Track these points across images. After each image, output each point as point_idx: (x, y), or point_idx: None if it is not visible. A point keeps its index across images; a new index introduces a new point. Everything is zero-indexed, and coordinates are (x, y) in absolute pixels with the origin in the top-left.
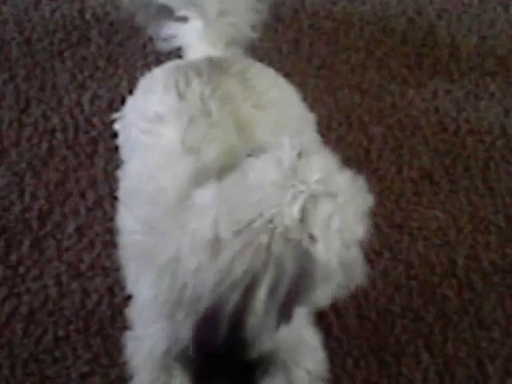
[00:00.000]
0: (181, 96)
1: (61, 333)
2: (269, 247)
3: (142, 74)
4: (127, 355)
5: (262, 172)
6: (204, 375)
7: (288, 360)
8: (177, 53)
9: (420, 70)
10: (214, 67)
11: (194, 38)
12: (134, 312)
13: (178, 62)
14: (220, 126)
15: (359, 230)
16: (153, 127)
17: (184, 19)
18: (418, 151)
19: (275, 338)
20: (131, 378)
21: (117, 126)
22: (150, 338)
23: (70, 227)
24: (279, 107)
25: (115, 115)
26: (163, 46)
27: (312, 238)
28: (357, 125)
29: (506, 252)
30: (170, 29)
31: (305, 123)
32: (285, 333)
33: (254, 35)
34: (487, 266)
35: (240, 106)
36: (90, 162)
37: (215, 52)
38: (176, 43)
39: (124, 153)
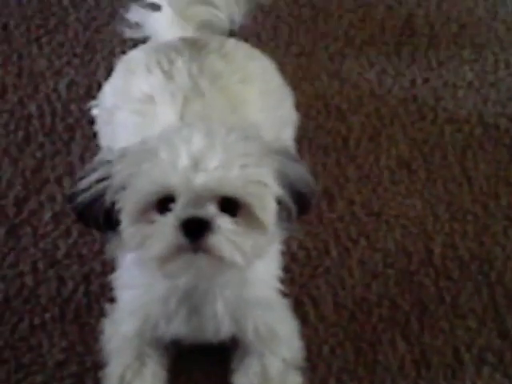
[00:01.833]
0: (167, 76)
1: (36, 320)
2: None
3: None
4: (104, 340)
5: None
6: (179, 364)
7: (264, 349)
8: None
9: (398, 58)
10: (190, 46)
11: (163, 25)
12: (116, 285)
13: (153, 43)
14: (214, 105)
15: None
16: (143, 107)
17: (153, 7)
18: (395, 140)
19: (250, 327)
20: (106, 365)
21: (94, 113)
22: (125, 321)
23: (47, 215)
24: (261, 79)
25: (92, 102)
26: (132, 34)
27: None
28: (335, 113)
29: (482, 240)
30: (139, 16)
31: (284, 95)
32: (261, 322)
33: (230, 23)
34: (464, 255)
35: (228, 82)
36: (67, 149)
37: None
38: (145, 32)
39: (104, 137)
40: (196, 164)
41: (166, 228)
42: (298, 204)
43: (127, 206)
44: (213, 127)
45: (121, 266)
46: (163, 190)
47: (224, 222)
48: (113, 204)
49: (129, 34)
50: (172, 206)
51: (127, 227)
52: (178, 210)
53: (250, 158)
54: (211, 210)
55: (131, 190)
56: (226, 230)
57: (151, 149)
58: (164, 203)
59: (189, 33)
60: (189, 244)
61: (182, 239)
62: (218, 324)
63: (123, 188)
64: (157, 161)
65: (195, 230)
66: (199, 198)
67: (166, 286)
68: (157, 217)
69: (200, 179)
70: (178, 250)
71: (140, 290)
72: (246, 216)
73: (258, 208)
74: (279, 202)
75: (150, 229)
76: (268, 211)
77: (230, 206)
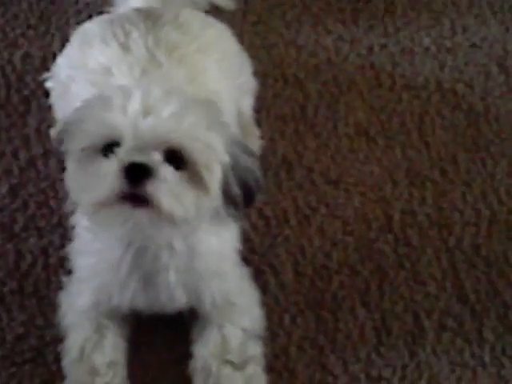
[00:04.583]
0: (124, 47)
1: None
2: None
3: None
4: (61, 314)
5: None
6: (140, 335)
7: (223, 319)
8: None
9: (355, 25)
10: (145, 17)
11: None
12: (71, 254)
13: (108, 15)
14: (172, 76)
15: None
16: (100, 79)
17: None
18: (353, 107)
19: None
20: (65, 338)
21: (49, 85)
22: (81, 293)
23: (3, 188)
24: (219, 47)
25: (46, 74)
26: None
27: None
28: (292, 81)
29: (441, 206)
30: None
31: (243, 62)
32: (217, 293)
33: None
34: (423, 221)
35: (185, 52)
36: (23, 121)
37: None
38: None
39: (59, 110)
40: (146, 111)
41: (108, 171)
42: (243, 195)
43: (73, 147)
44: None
45: (76, 234)
46: (110, 133)
47: (167, 171)
48: None
49: None
50: (118, 150)
51: (70, 169)
52: (122, 154)
53: (202, 120)
54: (155, 157)
55: (79, 131)
56: (167, 179)
57: (105, 96)
58: (110, 148)
59: (150, 4)
60: (128, 190)
61: (122, 184)
62: (172, 294)
63: (72, 130)
64: (108, 105)
65: (137, 177)
66: (145, 145)
67: (118, 251)
68: (101, 160)
69: (148, 124)
70: (116, 197)
71: (93, 256)
72: (190, 173)
73: (203, 167)
74: (226, 186)
75: (92, 170)
76: (212, 172)
77: (176, 159)
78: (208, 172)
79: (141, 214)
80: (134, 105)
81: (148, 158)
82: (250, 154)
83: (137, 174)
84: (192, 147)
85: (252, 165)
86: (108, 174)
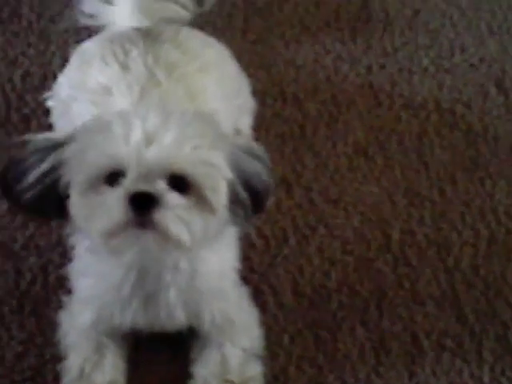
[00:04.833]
0: (123, 66)
1: None
2: None
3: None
4: (61, 333)
5: None
6: (139, 354)
7: (223, 339)
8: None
9: (354, 44)
10: (145, 36)
11: (121, 18)
12: (72, 274)
13: (108, 33)
14: (172, 95)
15: None
16: (100, 98)
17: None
18: (352, 126)
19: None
20: (65, 357)
21: (50, 104)
22: (81, 312)
23: (3, 207)
24: (218, 67)
25: (47, 93)
26: (87, 22)
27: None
28: (291, 100)
29: (440, 226)
30: (93, 8)
31: (241, 83)
32: (217, 312)
33: (187, 13)
34: (422, 241)
35: (185, 72)
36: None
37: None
38: (100, 21)
39: (60, 128)
40: (148, 139)
41: (114, 201)
42: (252, 201)
43: (77, 179)
44: (169, 108)
45: (76, 255)
46: (114, 163)
47: (172, 198)
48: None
49: (84, 22)
50: (122, 180)
51: (75, 200)
52: (127, 184)
53: (202, 139)
54: (160, 185)
55: (82, 162)
56: (173, 206)
57: (105, 123)
58: (114, 177)
59: (146, 24)
60: (135, 219)
61: (129, 213)
62: (172, 312)
63: (74, 161)
64: (109, 134)
65: (143, 205)
66: (149, 174)
67: (120, 273)
68: (106, 190)
69: (151, 154)
70: (124, 225)
71: (94, 278)
72: (195, 196)
73: (208, 189)
74: (234, 195)
75: (98, 201)
76: (218, 193)
77: (180, 184)
78: (214, 194)
79: (149, 240)
80: (136, 134)
81: (153, 187)
82: (258, 157)
83: (143, 202)
84: (197, 172)
85: (259, 169)
86: (114, 203)
